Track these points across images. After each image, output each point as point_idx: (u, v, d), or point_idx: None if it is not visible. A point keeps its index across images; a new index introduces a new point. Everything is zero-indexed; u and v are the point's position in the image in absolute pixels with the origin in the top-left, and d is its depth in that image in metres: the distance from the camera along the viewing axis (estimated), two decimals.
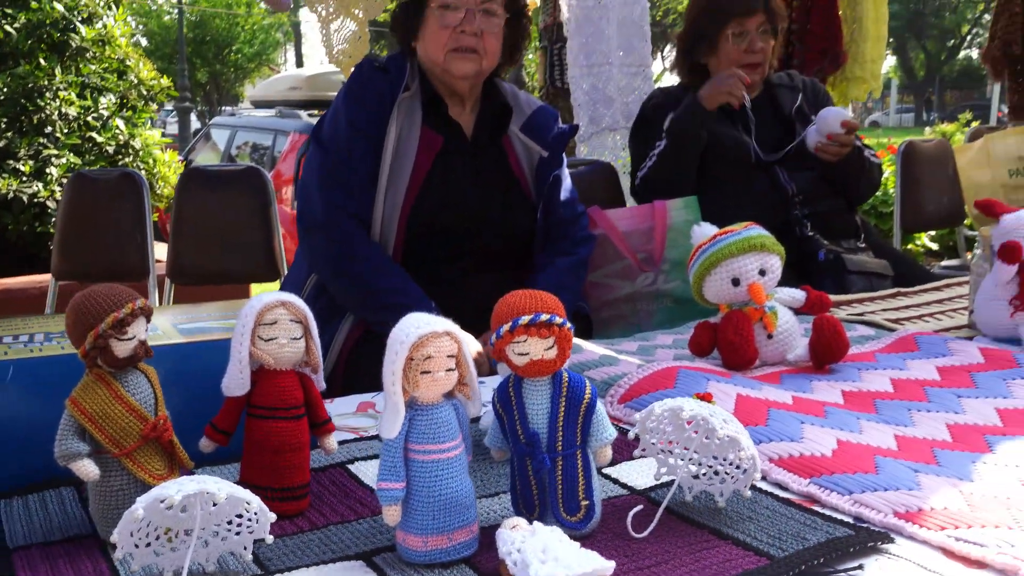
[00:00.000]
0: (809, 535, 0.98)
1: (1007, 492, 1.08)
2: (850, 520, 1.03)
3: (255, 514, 0.90)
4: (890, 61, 41.92)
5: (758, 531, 1.00)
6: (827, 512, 1.05)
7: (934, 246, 6.40)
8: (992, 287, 1.71)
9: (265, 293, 1.08)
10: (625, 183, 3.34)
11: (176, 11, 26.38)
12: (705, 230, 1.67)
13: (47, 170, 4.65)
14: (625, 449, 1.20)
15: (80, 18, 4.98)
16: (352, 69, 2.18)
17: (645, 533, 0.99)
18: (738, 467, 1.04)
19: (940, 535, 0.98)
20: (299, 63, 36.71)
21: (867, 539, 0.97)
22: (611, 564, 0.84)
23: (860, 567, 0.93)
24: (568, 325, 0.97)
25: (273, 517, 0.90)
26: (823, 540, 0.97)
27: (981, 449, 1.23)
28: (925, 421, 1.35)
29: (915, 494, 1.07)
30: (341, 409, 1.47)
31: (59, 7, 4.85)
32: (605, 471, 1.18)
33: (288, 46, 39.61)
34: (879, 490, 1.08)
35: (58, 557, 0.97)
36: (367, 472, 1.19)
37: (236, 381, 1.05)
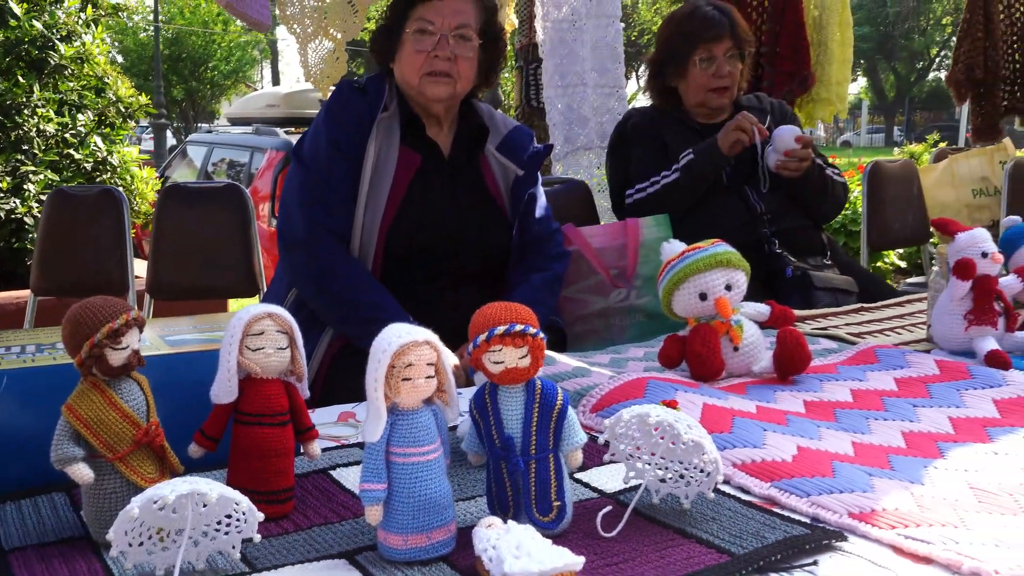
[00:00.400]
0: (768, 534, 1.04)
1: (955, 494, 1.14)
2: (807, 520, 1.09)
3: (243, 514, 0.95)
4: (861, 82, 42.55)
5: (720, 530, 1.06)
6: (786, 513, 1.11)
7: (903, 264, 6.53)
8: (948, 302, 1.78)
9: (253, 305, 1.13)
10: (599, 201, 3.41)
11: (152, 28, 26.32)
12: (674, 247, 1.73)
13: (25, 186, 4.67)
14: (596, 455, 1.26)
15: (59, 36, 5.01)
16: (331, 89, 2.23)
17: (614, 532, 1.05)
18: (702, 470, 1.10)
19: (891, 534, 1.04)
20: (275, 80, 36.73)
21: (822, 537, 1.03)
22: (581, 559, 0.89)
23: (815, 563, 0.99)
24: (541, 335, 1.03)
25: (261, 516, 0.94)
26: (781, 538, 1.02)
27: (933, 455, 1.30)
28: (881, 429, 1.42)
29: (868, 496, 1.13)
30: (323, 419, 1.52)
31: (38, 25, 4.87)
32: (576, 476, 1.23)
33: (265, 63, 39.61)
34: (835, 492, 1.14)
35: (53, 557, 1.01)
36: (349, 478, 1.24)
37: (224, 389, 1.10)
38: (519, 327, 1.01)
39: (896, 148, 14.32)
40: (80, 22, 5.18)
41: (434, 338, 1.00)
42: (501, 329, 1.00)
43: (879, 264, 6.38)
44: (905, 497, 1.13)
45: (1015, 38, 5.12)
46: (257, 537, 0.95)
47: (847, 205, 5.56)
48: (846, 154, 24.24)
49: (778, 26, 4.31)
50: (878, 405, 1.52)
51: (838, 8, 4.48)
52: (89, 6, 5.26)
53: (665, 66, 2.81)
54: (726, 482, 1.21)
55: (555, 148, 4.03)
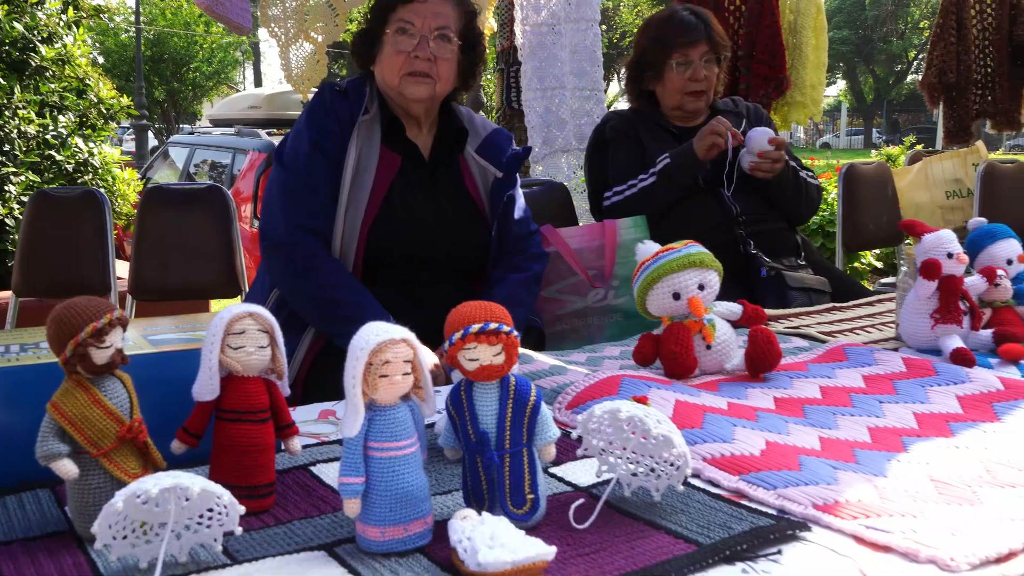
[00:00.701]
0: (735, 525, 1.08)
1: (916, 486, 1.18)
2: (774, 512, 1.12)
3: (225, 507, 0.98)
4: (840, 85, 42.86)
5: (689, 522, 1.09)
6: (753, 505, 1.14)
7: (879, 264, 6.61)
8: (915, 302, 1.83)
9: (234, 305, 1.16)
10: (577, 202, 3.45)
11: (134, 29, 26.17)
12: (648, 247, 1.77)
13: (6, 188, 4.66)
14: (569, 450, 1.29)
15: (40, 38, 5.00)
16: (312, 91, 2.26)
17: (586, 524, 1.08)
18: (671, 464, 1.13)
19: (852, 524, 1.07)
20: (258, 82, 36.61)
21: (786, 527, 1.06)
22: (552, 549, 0.93)
23: (779, 552, 1.03)
24: (515, 333, 1.06)
25: (243, 510, 0.97)
26: (747, 529, 1.06)
27: (897, 449, 1.34)
28: (848, 424, 1.46)
29: (832, 488, 1.17)
30: (304, 417, 1.55)
31: (19, 27, 4.86)
32: (550, 470, 1.26)
33: (247, 65, 39.46)
34: (801, 485, 1.18)
35: (38, 551, 1.03)
36: (329, 473, 1.27)
37: (206, 387, 1.13)
38: (493, 325, 1.04)
39: (874, 150, 14.45)
40: (61, 24, 5.18)
41: (411, 336, 1.03)
42: (476, 327, 1.04)
43: (856, 265, 6.45)
44: (867, 489, 1.17)
45: (987, 43, 5.21)
46: (238, 530, 0.98)
47: (823, 206, 5.64)
48: (825, 156, 24.41)
49: (755, 30, 4.37)
50: (846, 401, 1.57)
51: (813, 13, 4.54)
52: (70, 8, 5.26)
53: (642, 70, 2.85)
54: (696, 476, 1.24)
55: (534, 150, 4.07)
